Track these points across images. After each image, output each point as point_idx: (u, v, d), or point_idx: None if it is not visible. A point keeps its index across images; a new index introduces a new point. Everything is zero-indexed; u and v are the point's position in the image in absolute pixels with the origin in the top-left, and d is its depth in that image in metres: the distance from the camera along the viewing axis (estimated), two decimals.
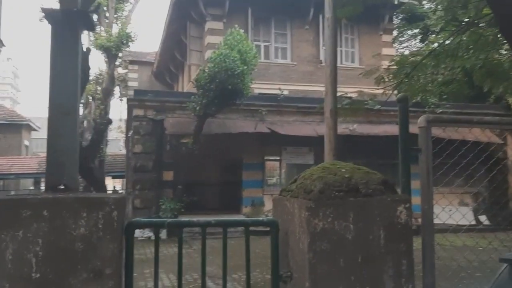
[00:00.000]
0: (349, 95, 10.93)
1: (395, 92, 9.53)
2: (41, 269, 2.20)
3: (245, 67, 14.16)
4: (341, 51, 22.12)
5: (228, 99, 14.20)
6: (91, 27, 2.70)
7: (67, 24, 2.50)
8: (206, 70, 14.02)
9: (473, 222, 17.20)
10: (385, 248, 2.58)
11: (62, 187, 2.46)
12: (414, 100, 9.49)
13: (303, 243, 2.56)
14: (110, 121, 17.46)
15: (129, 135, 16.62)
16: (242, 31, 15.25)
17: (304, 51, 21.29)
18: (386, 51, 20.21)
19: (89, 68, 14.33)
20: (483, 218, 17.63)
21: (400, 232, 2.62)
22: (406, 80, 8.88)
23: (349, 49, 22.02)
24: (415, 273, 2.61)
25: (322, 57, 21.62)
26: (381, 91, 7.78)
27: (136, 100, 15.82)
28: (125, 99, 21.26)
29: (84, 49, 14.45)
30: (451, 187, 17.71)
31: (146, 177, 15.38)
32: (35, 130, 36.10)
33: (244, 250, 2.65)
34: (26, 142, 35.38)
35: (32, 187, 29.91)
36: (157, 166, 15.52)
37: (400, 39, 10.70)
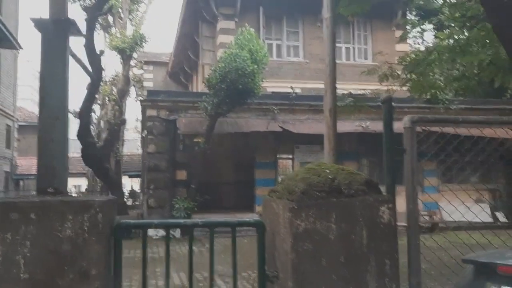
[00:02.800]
0: (361, 92, 10.92)
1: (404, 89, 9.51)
2: (29, 270, 2.29)
3: (256, 66, 14.19)
4: (353, 48, 22.00)
5: (239, 98, 14.25)
6: (78, 34, 2.78)
7: (56, 32, 2.59)
8: (217, 70, 14.09)
9: (490, 219, 17.01)
10: (368, 248, 2.61)
11: (51, 190, 2.55)
12: (423, 97, 9.40)
13: (286, 244, 2.61)
14: (124, 122, 17.70)
15: (143, 135, 16.82)
16: (252, 30, 15.28)
17: (317, 49, 21.18)
18: (399, 47, 20.01)
19: (102, 70, 14.58)
20: (500, 215, 17.39)
21: (383, 232, 2.64)
22: (415, 76, 8.86)
23: (362, 46, 21.88)
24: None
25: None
26: (394, 87, 7.75)
27: (149, 101, 16.01)
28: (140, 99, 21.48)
29: (98, 51, 14.72)
30: (467, 184, 17.56)
31: (159, 177, 15.56)
32: None
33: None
34: None
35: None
36: (170, 165, 15.69)
37: (409, 35, 10.61)
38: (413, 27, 10.31)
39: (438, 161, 17.84)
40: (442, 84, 9.43)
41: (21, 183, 28.48)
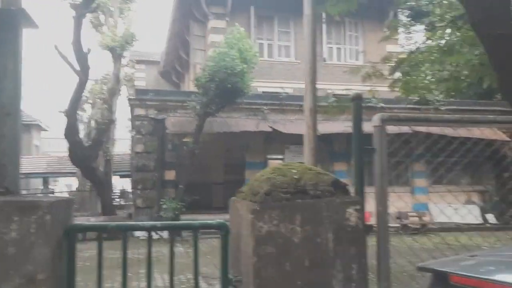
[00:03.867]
0: (350, 93, 10.81)
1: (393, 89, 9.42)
2: None
3: (245, 66, 14.07)
4: (345, 48, 21.94)
5: (228, 98, 14.12)
6: (32, 25, 2.65)
7: (6, 24, 2.45)
8: (206, 69, 13.97)
9: (480, 221, 16.98)
10: (334, 251, 2.50)
11: (1, 189, 2.41)
12: (411, 98, 9.32)
13: (248, 247, 2.49)
14: (112, 121, 17.50)
15: (131, 134, 16.67)
16: (242, 29, 15.16)
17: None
18: (390, 48, 19.95)
19: (89, 68, 14.41)
20: (490, 217, 17.35)
21: (350, 234, 2.53)
22: (402, 77, 8.78)
23: (353, 47, 21.83)
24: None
25: (326, 55, 21.49)
26: (379, 87, 7.65)
27: (137, 100, 15.83)
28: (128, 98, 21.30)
29: (85, 50, 14.55)
30: (457, 185, 17.54)
31: (148, 177, 15.39)
32: (44, 130, 36.50)
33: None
34: (37, 142, 35.77)
35: (41, 187, 30.18)
36: (159, 165, 15.52)
37: (400, 36, 10.53)
38: (406, 28, 10.22)
39: (427, 162, 17.83)
40: (430, 85, 9.34)
41: None
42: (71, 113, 14.22)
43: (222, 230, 2.64)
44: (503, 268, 1.24)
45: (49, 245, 2.25)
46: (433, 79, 10.31)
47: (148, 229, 2.55)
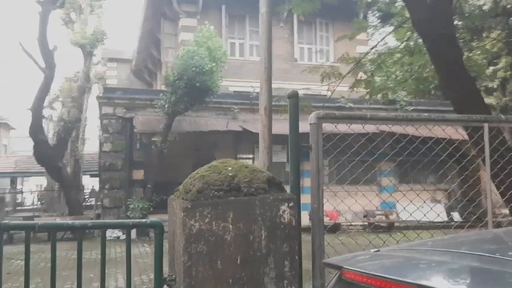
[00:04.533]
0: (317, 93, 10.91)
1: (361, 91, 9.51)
2: None
3: (214, 64, 14.02)
4: (316, 49, 22.09)
5: (197, 96, 14.05)
6: None
7: None
8: (174, 67, 13.86)
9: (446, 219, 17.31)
10: (267, 249, 2.49)
11: None
12: (373, 97, 9.43)
13: (180, 245, 2.46)
14: (78, 119, 17.20)
15: (100, 133, 16.41)
16: (212, 28, 15.10)
17: (279, 49, 21.17)
18: (360, 48, 20.19)
19: (55, 66, 14.13)
20: (455, 215, 17.72)
21: (283, 232, 2.53)
22: (365, 78, 8.88)
23: (324, 47, 21.98)
24: None
25: (297, 55, 21.59)
26: (334, 87, 7.71)
27: (105, 98, 15.60)
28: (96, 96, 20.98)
29: (51, 47, 14.26)
30: (424, 184, 17.84)
31: (115, 176, 15.18)
32: (13, 128, 35.69)
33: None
34: (5, 141, 34.95)
35: (9, 187, 29.50)
36: (126, 165, 15.33)
37: (370, 37, 10.65)
38: (373, 29, 10.33)
39: (394, 162, 18.09)
40: (393, 85, 9.47)
41: None
42: (36, 111, 13.91)
43: (157, 229, 2.61)
44: (392, 264, 1.25)
45: None
46: (398, 79, 10.46)
47: (79, 228, 2.50)
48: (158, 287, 2.58)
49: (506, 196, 3.07)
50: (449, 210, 17.89)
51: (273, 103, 14.07)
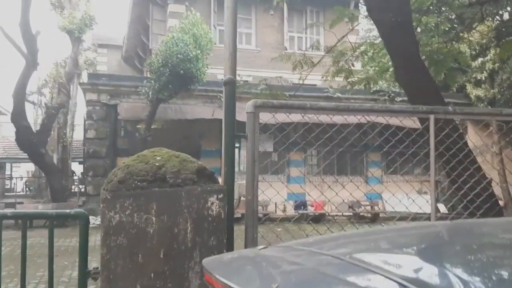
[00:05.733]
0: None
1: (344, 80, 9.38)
2: None
3: (199, 52, 13.83)
4: (306, 38, 21.89)
5: (181, 84, 13.87)
6: None
7: None
8: (158, 54, 13.67)
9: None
10: (192, 242, 2.39)
11: None
12: (355, 87, 9.30)
13: (100, 238, 2.36)
14: (62, 106, 17.00)
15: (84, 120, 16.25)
16: (198, 14, 14.88)
17: (269, 37, 21.00)
18: (352, 38, 19.98)
19: (37, 51, 13.91)
20: (441, 207, 17.74)
21: (211, 224, 2.43)
22: (347, 67, 8.73)
23: (314, 36, 21.76)
24: None
25: (286, 43, 21.39)
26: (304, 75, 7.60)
27: (89, 84, 15.39)
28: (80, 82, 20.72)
29: (34, 32, 14.02)
30: (410, 175, 17.82)
31: (99, 163, 15.04)
32: (3, 114, 35.32)
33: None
34: None
35: None
36: (111, 152, 15.18)
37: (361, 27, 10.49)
38: (350, 18, 10.14)
39: (382, 153, 18.06)
40: (373, 75, 9.35)
41: None
42: (18, 97, 13.71)
43: (81, 220, 2.50)
44: (243, 266, 1.16)
45: None
46: (377, 69, 10.35)
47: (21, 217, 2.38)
48: (82, 280, 2.47)
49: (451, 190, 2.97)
50: (435, 201, 17.90)
51: (255, 90, 13.92)
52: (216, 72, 18.09)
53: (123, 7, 78.63)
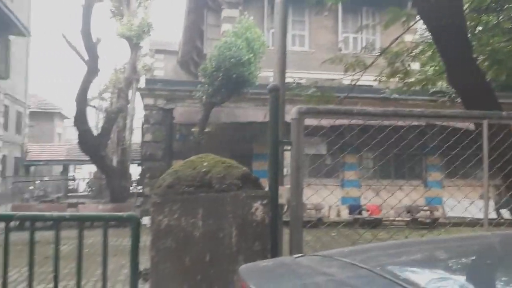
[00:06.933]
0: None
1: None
2: None
3: (252, 55, 13.96)
4: (361, 38, 21.53)
5: (234, 87, 14.05)
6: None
7: None
8: (212, 59, 13.93)
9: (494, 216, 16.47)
10: (237, 246, 2.44)
11: None
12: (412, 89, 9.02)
13: (149, 240, 2.45)
14: (121, 110, 17.69)
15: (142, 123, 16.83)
16: (251, 18, 15.03)
17: (323, 38, 20.84)
18: (408, 37, 19.46)
19: (98, 58, 14.56)
20: (505, 212, 16.84)
21: (255, 230, 2.46)
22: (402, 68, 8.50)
23: (370, 36, 21.35)
24: None
25: (341, 45, 21.14)
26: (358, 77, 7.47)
27: (146, 89, 15.94)
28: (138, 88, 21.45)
29: (95, 40, 14.70)
30: (472, 179, 17.06)
31: (155, 166, 15.51)
32: (67, 118, 37.27)
33: None
34: (59, 130, 36.59)
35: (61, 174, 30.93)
36: (166, 155, 15.63)
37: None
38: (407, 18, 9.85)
39: (442, 155, 17.42)
40: (432, 76, 9.04)
41: (32, 168, 28.89)
42: (80, 102, 14.42)
43: (132, 222, 2.61)
44: (280, 276, 1.16)
45: None
46: (437, 69, 10.00)
47: (56, 220, 2.54)
48: (133, 280, 2.58)
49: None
50: (499, 206, 17.03)
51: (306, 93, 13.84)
52: (269, 75, 18.14)
53: (179, 12, 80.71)
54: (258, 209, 2.46)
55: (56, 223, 2.54)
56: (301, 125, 2.60)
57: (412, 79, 8.96)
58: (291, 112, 2.62)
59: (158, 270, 2.38)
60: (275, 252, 2.54)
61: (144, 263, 2.76)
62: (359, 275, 1.05)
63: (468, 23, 7.37)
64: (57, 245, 2.55)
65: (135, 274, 2.59)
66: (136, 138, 30.21)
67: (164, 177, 2.54)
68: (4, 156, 23.48)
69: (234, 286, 2.34)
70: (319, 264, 1.21)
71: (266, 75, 17.14)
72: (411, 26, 7.09)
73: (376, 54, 10.05)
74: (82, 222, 2.55)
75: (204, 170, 2.53)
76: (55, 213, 2.56)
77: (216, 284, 2.40)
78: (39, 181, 26.75)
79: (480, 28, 8.78)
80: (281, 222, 2.79)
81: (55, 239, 2.55)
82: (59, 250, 2.58)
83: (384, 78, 7.99)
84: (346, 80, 15.71)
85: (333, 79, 18.89)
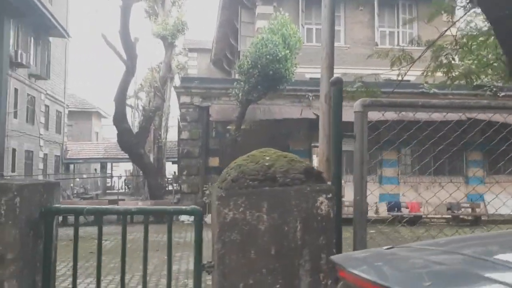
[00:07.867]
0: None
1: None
2: None
3: (288, 52, 13.92)
4: (398, 32, 21.16)
5: (271, 84, 14.06)
6: (16, 14, 2.74)
7: None
8: (248, 56, 13.96)
9: None
10: (302, 240, 2.42)
11: None
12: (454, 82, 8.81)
13: (214, 233, 2.47)
14: (158, 108, 17.97)
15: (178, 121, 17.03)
16: (287, 14, 14.98)
17: (359, 33, 20.58)
18: (448, 31, 18.98)
19: (136, 57, 14.83)
20: None
21: (320, 224, 2.45)
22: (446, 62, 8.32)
23: (407, 30, 20.95)
24: None
25: (377, 39, 20.81)
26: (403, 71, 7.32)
27: (182, 87, 16.14)
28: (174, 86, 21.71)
29: (133, 39, 14.96)
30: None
31: (192, 163, 15.71)
32: (104, 117, 38.12)
33: None
34: (97, 129, 37.46)
35: (99, 171, 31.67)
36: (203, 152, 15.79)
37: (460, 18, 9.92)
38: (467, 11, 9.61)
39: (484, 151, 16.94)
40: (476, 69, 8.80)
41: (71, 167, 29.72)
42: (119, 101, 14.73)
43: (196, 216, 2.64)
44: (394, 267, 1.14)
45: (19, 227, 2.34)
46: (482, 63, 9.73)
47: (123, 213, 2.59)
48: (197, 273, 2.61)
49: None
50: None
51: (348, 89, 13.73)
52: (304, 71, 18.11)
53: (212, 11, 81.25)
54: (323, 203, 2.44)
55: (124, 216, 2.59)
56: (365, 118, 2.57)
57: (457, 73, 8.76)
58: (354, 105, 2.59)
59: (224, 263, 2.39)
60: (339, 247, 2.53)
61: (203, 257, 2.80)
62: (473, 263, 1.03)
63: None
64: (124, 238, 2.60)
65: (199, 267, 2.61)
66: (171, 136, 30.64)
67: (228, 171, 2.56)
68: (45, 155, 24.24)
69: (325, 276, 2.34)
70: (423, 254, 1.19)
71: (302, 71, 17.10)
72: (460, 19, 6.89)
73: (417, 48, 9.88)
74: (147, 216, 2.59)
75: (267, 164, 2.53)
76: (121, 207, 2.62)
77: (282, 277, 2.39)
78: (78, 179, 27.50)
79: None
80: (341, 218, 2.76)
81: (122, 232, 2.60)
82: (126, 243, 2.63)
83: (429, 73, 7.83)
84: (385, 75, 15.50)
85: (369, 74, 18.63)
